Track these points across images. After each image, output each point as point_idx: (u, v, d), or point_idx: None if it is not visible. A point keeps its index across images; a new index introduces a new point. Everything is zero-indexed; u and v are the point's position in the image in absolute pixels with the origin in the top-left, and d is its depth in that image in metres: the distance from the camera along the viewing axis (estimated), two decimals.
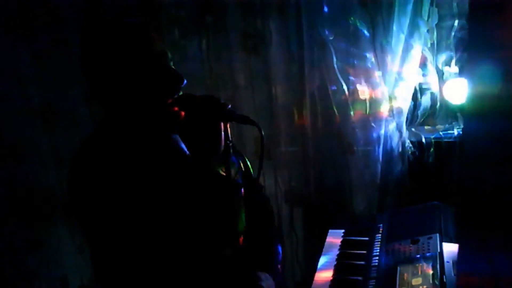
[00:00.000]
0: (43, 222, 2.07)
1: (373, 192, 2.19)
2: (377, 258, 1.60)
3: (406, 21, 1.98)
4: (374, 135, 2.12)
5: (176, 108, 1.19)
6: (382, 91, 2.08)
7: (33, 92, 1.98)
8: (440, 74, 2.19)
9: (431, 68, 2.17)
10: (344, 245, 1.76)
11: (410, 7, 1.96)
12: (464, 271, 1.21)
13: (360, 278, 1.54)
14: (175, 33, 2.23)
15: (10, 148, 1.94)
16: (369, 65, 2.07)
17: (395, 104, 2.11)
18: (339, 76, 2.10)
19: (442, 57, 2.18)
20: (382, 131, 2.12)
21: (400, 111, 2.11)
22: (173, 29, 2.22)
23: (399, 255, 1.55)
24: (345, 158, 2.19)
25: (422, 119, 2.27)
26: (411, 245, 1.56)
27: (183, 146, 1.25)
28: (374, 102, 2.10)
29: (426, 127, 2.28)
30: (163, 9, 2.17)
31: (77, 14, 1.99)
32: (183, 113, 1.19)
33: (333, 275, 1.60)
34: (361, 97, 2.11)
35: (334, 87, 2.13)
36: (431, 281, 1.36)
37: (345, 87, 2.11)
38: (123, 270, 1.16)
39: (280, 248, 1.50)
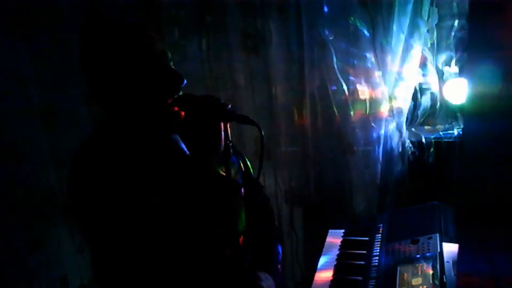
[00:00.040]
0: (43, 222, 2.07)
1: (373, 192, 2.19)
2: (377, 258, 1.60)
3: (406, 21, 1.98)
4: (374, 135, 2.12)
5: (176, 108, 1.19)
6: (382, 91, 2.08)
7: (33, 92, 1.98)
8: (440, 74, 2.19)
9: (431, 68, 2.17)
10: (344, 245, 1.76)
11: (410, 7, 1.96)
12: (464, 271, 1.21)
13: (360, 278, 1.54)
14: (175, 33, 2.23)
15: (10, 148, 1.94)
16: (369, 65, 2.07)
17: (395, 104, 2.11)
18: (339, 76, 2.10)
19: (442, 57, 2.18)
20: (382, 131, 2.12)
21: (400, 111, 2.11)
22: (173, 29, 2.22)
23: (399, 255, 1.55)
24: (345, 158, 2.19)
25: (422, 119, 2.27)
26: (411, 245, 1.56)
27: (183, 146, 1.25)
28: (374, 102, 2.10)
29: (426, 127, 2.28)
30: (163, 9, 2.17)
31: (77, 14, 1.99)
32: (183, 113, 1.19)
33: (333, 275, 1.60)
34: (361, 97, 2.11)
35: (334, 87, 2.13)
36: (431, 281, 1.36)
37: (345, 87, 2.11)
38: (123, 270, 1.16)
39: (280, 248, 1.50)
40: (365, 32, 2.03)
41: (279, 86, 2.23)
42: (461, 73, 2.14)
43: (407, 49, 2.03)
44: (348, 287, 1.55)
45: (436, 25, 2.08)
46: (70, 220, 2.09)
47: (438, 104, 2.23)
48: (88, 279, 2.18)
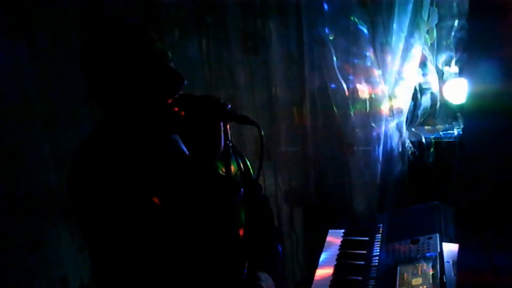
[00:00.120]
0: (43, 222, 2.07)
1: (373, 192, 2.19)
2: (377, 258, 1.60)
3: (406, 21, 1.98)
4: (374, 135, 2.12)
5: (176, 108, 1.19)
6: (382, 91, 2.08)
7: (33, 92, 1.98)
8: (440, 74, 2.19)
9: (431, 68, 2.17)
10: (344, 245, 1.76)
11: (410, 7, 1.96)
12: (464, 271, 1.21)
13: (360, 278, 1.54)
14: (175, 33, 2.23)
15: (10, 148, 1.94)
16: (369, 64, 2.07)
17: (395, 104, 2.10)
18: (339, 76, 2.10)
19: (442, 57, 2.18)
20: (382, 131, 2.12)
21: (400, 111, 2.11)
22: (173, 29, 2.22)
23: (399, 255, 1.55)
24: (345, 158, 2.19)
25: (422, 119, 2.27)
26: (411, 245, 1.57)
27: (183, 146, 1.25)
28: (374, 102, 2.10)
29: (426, 127, 2.28)
30: (163, 9, 2.17)
31: (77, 14, 1.99)
32: (183, 113, 1.19)
33: (333, 275, 1.60)
34: (361, 97, 2.11)
35: (334, 87, 2.13)
36: (431, 281, 1.35)
37: (345, 87, 2.11)
38: (123, 270, 1.16)
39: (280, 248, 1.50)
40: (365, 31, 2.03)
41: (279, 86, 2.23)
42: (461, 73, 2.14)
43: (407, 48, 2.02)
44: (348, 287, 1.55)
45: (436, 25, 2.08)
46: (70, 220, 2.09)
47: (438, 104, 2.22)
48: (88, 279, 2.18)
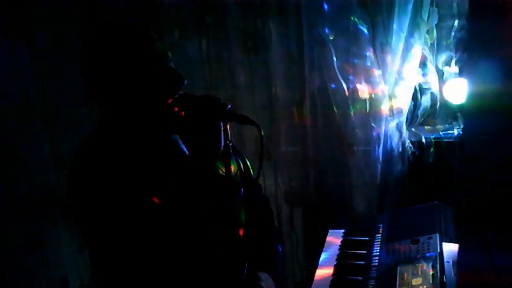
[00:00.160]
0: (43, 222, 2.07)
1: (373, 192, 2.19)
2: (377, 258, 1.60)
3: (406, 21, 1.98)
4: (374, 135, 2.12)
5: (176, 108, 1.19)
6: (382, 91, 2.08)
7: (33, 92, 1.98)
8: (440, 74, 2.19)
9: (431, 68, 2.17)
10: (344, 245, 1.76)
11: (410, 7, 1.96)
12: (464, 271, 1.21)
13: (360, 278, 1.54)
14: (175, 33, 2.23)
15: (10, 148, 1.94)
16: (369, 64, 2.07)
17: (395, 104, 2.10)
18: (339, 76, 2.10)
19: (442, 57, 2.18)
20: (382, 131, 2.12)
21: (400, 111, 2.11)
22: (173, 29, 2.22)
23: (399, 255, 1.55)
24: (345, 158, 2.19)
25: (422, 119, 2.27)
26: (411, 245, 1.57)
27: (183, 146, 1.25)
28: (374, 102, 2.10)
29: (426, 127, 2.28)
30: (163, 9, 2.17)
31: (77, 14, 1.99)
32: (183, 113, 1.19)
33: (333, 275, 1.60)
34: (361, 97, 2.11)
35: (334, 87, 2.13)
36: (431, 281, 1.35)
37: (345, 86, 2.11)
38: (123, 270, 1.16)
39: (280, 248, 1.50)
40: (365, 31, 2.03)
41: (279, 86, 2.23)
42: (461, 73, 2.14)
43: (407, 48, 2.02)
44: (348, 287, 1.55)
45: (436, 25, 2.08)
46: (70, 220, 2.09)
47: (438, 104, 2.22)
48: (88, 279, 2.18)
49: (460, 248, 1.31)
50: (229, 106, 1.20)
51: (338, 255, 1.70)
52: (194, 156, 1.21)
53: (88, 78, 1.19)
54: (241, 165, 1.35)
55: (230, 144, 1.22)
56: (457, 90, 2.12)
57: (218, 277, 1.22)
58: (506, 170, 1.00)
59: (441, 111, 2.25)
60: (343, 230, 1.85)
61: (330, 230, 1.87)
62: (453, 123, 2.24)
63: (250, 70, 2.22)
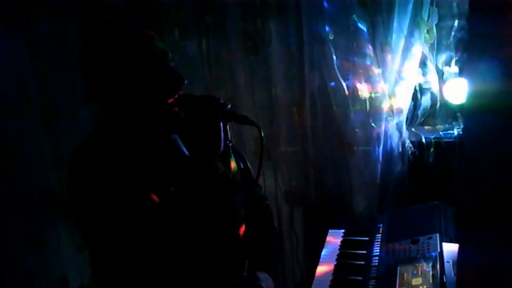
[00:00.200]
0: (43, 222, 2.07)
1: (373, 192, 2.19)
2: (377, 258, 1.60)
3: (406, 21, 1.98)
4: (374, 135, 2.12)
5: (176, 108, 1.19)
6: (382, 91, 2.08)
7: (33, 92, 1.98)
8: (440, 74, 2.19)
9: (431, 68, 2.17)
10: (344, 245, 1.76)
11: (410, 7, 1.96)
12: (464, 271, 1.21)
13: (360, 278, 1.54)
14: (175, 33, 2.23)
15: (10, 148, 1.94)
16: (369, 64, 2.07)
17: (395, 104, 2.10)
18: (339, 76, 2.10)
19: (442, 57, 2.18)
20: (382, 131, 2.12)
21: (400, 111, 2.11)
22: (173, 29, 2.22)
23: (399, 255, 1.55)
24: (345, 158, 2.19)
25: (422, 119, 2.27)
26: (411, 245, 1.56)
27: (182, 146, 1.25)
28: (374, 102, 2.10)
29: (426, 127, 2.28)
30: (163, 9, 2.17)
31: (77, 14, 2.00)
32: (183, 113, 1.19)
33: (333, 275, 1.60)
34: (361, 96, 2.10)
35: (334, 87, 2.13)
36: (431, 281, 1.35)
37: (345, 86, 2.10)
38: (123, 270, 1.16)
39: (279, 248, 1.50)
40: (365, 31, 2.03)
41: (279, 86, 2.23)
42: (461, 73, 2.14)
43: (407, 48, 2.02)
44: (348, 287, 1.55)
45: (436, 25, 2.08)
46: (70, 220, 2.09)
47: (438, 104, 2.22)
48: (88, 279, 2.18)
49: (460, 248, 1.30)
50: (229, 106, 1.20)
51: (338, 255, 1.70)
52: (194, 156, 1.21)
53: (88, 78, 1.19)
54: (241, 165, 1.35)
55: (230, 144, 1.22)
56: (457, 90, 2.12)
57: (218, 277, 1.22)
58: (506, 170, 1.00)
59: (441, 111, 2.25)
60: (343, 230, 1.85)
61: (330, 230, 1.87)
62: (453, 123, 2.24)
63: (250, 70, 2.22)
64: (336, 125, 2.17)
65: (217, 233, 1.18)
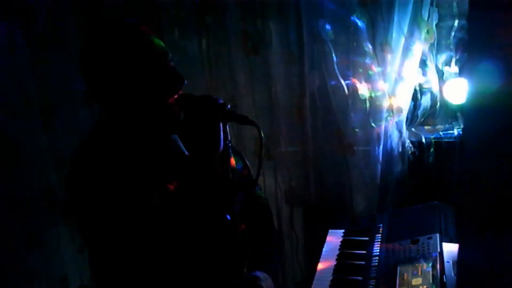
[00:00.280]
0: (43, 222, 2.07)
1: (373, 192, 2.19)
2: (377, 258, 1.60)
3: (406, 21, 1.98)
4: (374, 135, 2.12)
5: (176, 108, 1.19)
6: (382, 91, 2.08)
7: (33, 92, 1.98)
8: (440, 74, 2.19)
9: (431, 68, 2.17)
10: (344, 245, 1.76)
11: (410, 6, 1.96)
12: (464, 271, 1.21)
13: (360, 278, 1.54)
14: (175, 33, 2.23)
15: (10, 148, 1.94)
16: (369, 64, 2.07)
17: (395, 104, 2.10)
18: (339, 76, 2.10)
19: (442, 57, 2.18)
20: (382, 131, 2.12)
21: (400, 111, 2.11)
22: (173, 29, 2.22)
23: (399, 255, 1.55)
24: (345, 158, 2.19)
25: (422, 119, 2.27)
26: (411, 245, 1.56)
27: (182, 146, 1.25)
28: (374, 102, 2.10)
29: (426, 127, 2.28)
30: (163, 9, 2.17)
31: (77, 14, 2.00)
32: (183, 113, 1.19)
33: (333, 275, 1.60)
34: (361, 96, 2.11)
35: (334, 87, 2.13)
36: (431, 281, 1.35)
37: (345, 87, 2.11)
38: (122, 270, 1.16)
39: (279, 248, 1.50)
40: (365, 32, 2.03)
41: (279, 86, 2.23)
42: (461, 73, 2.14)
43: (407, 48, 2.02)
44: (348, 287, 1.55)
45: (436, 25, 2.08)
46: (70, 220, 2.09)
47: (438, 104, 2.22)
48: (88, 279, 2.18)
49: (460, 248, 1.30)
50: (229, 106, 1.20)
51: (338, 255, 1.70)
52: (194, 156, 1.21)
53: (88, 78, 1.19)
54: (241, 165, 1.35)
55: (230, 144, 1.22)
56: (457, 90, 2.12)
57: (218, 277, 1.22)
58: (506, 170, 1.00)
59: (441, 111, 2.25)
60: (343, 230, 1.85)
61: (330, 230, 1.87)
62: (453, 123, 2.24)
63: (250, 70, 2.22)
64: (336, 125, 2.17)
65: (216, 233, 1.18)
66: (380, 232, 1.74)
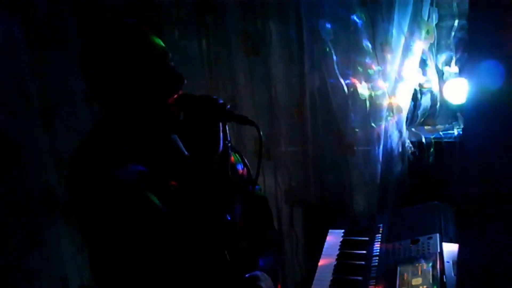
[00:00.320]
0: (43, 222, 2.07)
1: (373, 192, 2.19)
2: (377, 258, 1.60)
3: (406, 21, 1.98)
4: (374, 135, 2.12)
5: (176, 108, 1.19)
6: (382, 91, 2.08)
7: (33, 92, 1.98)
8: (440, 74, 2.19)
9: (431, 67, 2.17)
10: (344, 245, 1.76)
11: (410, 6, 1.96)
12: (464, 271, 1.21)
13: (360, 278, 1.54)
14: (175, 33, 2.23)
15: (10, 148, 1.94)
16: (369, 64, 2.07)
17: (395, 104, 2.10)
18: (339, 76, 2.10)
19: (442, 57, 2.18)
20: (382, 131, 2.12)
21: (400, 111, 2.11)
22: (173, 29, 2.22)
23: (399, 255, 1.55)
24: (345, 158, 2.19)
25: (422, 119, 2.27)
26: (411, 245, 1.56)
27: (182, 146, 1.25)
28: (374, 102, 2.10)
29: (426, 127, 2.28)
30: (163, 9, 2.17)
31: (77, 15, 2.00)
32: (182, 113, 1.19)
33: (333, 275, 1.60)
34: (361, 96, 2.11)
35: (334, 86, 2.13)
36: (431, 281, 1.35)
37: (345, 87, 2.11)
38: (122, 270, 1.16)
39: (279, 248, 1.50)
40: (365, 32, 2.03)
41: (279, 86, 2.23)
42: (461, 73, 2.14)
43: (407, 48, 2.03)
44: (348, 287, 1.55)
45: (436, 25, 2.08)
46: (70, 220, 2.09)
47: (438, 104, 2.22)
48: (88, 279, 2.18)
49: (460, 248, 1.30)
50: (229, 106, 1.20)
51: (338, 255, 1.70)
52: (193, 156, 1.21)
53: (88, 78, 1.19)
54: (240, 165, 1.35)
55: (229, 144, 1.22)
56: (457, 90, 2.12)
57: (218, 277, 1.22)
58: (506, 170, 1.00)
59: (441, 111, 2.25)
60: (343, 230, 1.85)
61: (330, 230, 1.87)
62: (453, 123, 2.24)
63: (250, 70, 2.22)
64: (336, 125, 2.17)
65: (216, 233, 1.18)
66: (380, 232, 1.74)
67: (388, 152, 2.15)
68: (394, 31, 1.99)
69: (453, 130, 2.19)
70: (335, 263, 1.65)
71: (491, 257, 1.08)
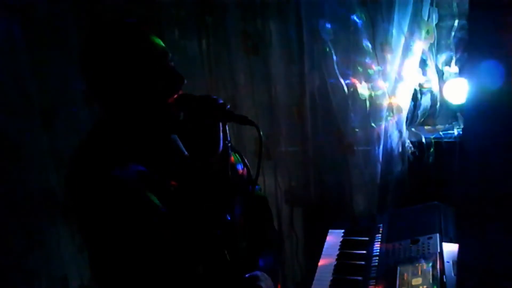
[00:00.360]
0: (43, 222, 2.07)
1: (373, 192, 2.19)
2: (377, 258, 1.60)
3: (406, 21, 1.98)
4: (374, 135, 2.12)
5: (175, 108, 1.19)
6: (382, 91, 2.08)
7: (33, 92, 1.98)
8: (440, 74, 2.19)
9: (431, 67, 2.17)
10: (344, 245, 1.76)
11: (410, 6, 1.96)
12: (464, 271, 1.21)
13: (360, 278, 1.54)
14: (175, 33, 2.23)
15: (10, 148, 1.94)
16: (369, 64, 2.07)
17: (395, 104, 2.11)
18: (339, 76, 2.10)
19: (442, 57, 2.18)
20: (382, 131, 2.12)
21: (400, 111, 2.11)
22: (173, 29, 2.22)
23: (399, 255, 1.55)
24: (345, 158, 2.19)
25: (422, 119, 2.27)
26: (411, 245, 1.56)
27: (182, 146, 1.25)
28: (374, 102, 2.10)
29: (426, 127, 2.28)
30: (163, 9, 2.17)
31: (77, 15, 2.00)
32: (182, 113, 1.19)
33: (333, 275, 1.60)
34: (361, 96, 2.11)
35: (334, 86, 2.13)
36: (431, 281, 1.35)
37: (345, 87, 2.11)
38: (122, 270, 1.16)
39: (279, 248, 1.50)
40: (365, 32, 2.03)
41: (279, 86, 2.23)
42: (461, 73, 2.14)
43: (407, 48, 2.03)
44: (348, 287, 1.55)
45: (436, 25, 2.08)
46: (70, 220, 2.09)
47: (438, 104, 2.22)
48: (88, 279, 2.18)
49: (460, 248, 1.30)
50: (229, 106, 1.20)
51: (338, 255, 1.70)
52: (193, 156, 1.21)
53: (88, 78, 1.19)
54: (240, 165, 1.35)
55: (229, 144, 1.22)
56: (457, 90, 2.12)
57: (218, 277, 1.22)
58: (506, 170, 1.00)
59: (441, 111, 2.25)
60: (343, 230, 1.85)
61: (330, 230, 1.87)
62: (453, 123, 2.24)
63: (250, 70, 2.22)
64: (336, 125, 2.17)
65: (216, 233, 1.18)
66: (380, 232, 1.74)
67: (388, 152, 2.15)
68: (394, 31, 1.99)
69: (453, 130, 2.20)
70: (335, 263, 1.65)
71: (491, 257, 1.08)
